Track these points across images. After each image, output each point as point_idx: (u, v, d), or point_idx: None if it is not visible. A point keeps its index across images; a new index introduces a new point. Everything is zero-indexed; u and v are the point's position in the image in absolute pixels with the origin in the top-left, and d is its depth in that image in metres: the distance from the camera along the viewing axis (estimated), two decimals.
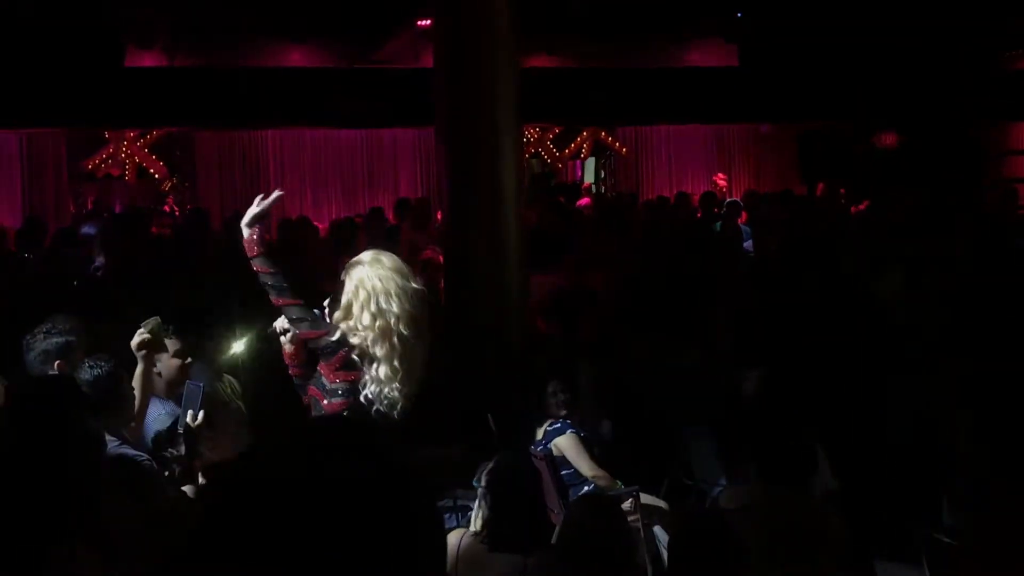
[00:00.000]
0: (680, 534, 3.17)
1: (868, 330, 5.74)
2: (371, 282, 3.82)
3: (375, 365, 3.80)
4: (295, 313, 3.87)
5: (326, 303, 3.98)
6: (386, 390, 3.81)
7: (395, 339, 3.79)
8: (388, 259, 3.91)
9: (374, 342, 3.79)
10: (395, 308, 3.79)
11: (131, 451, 3.67)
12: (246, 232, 3.97)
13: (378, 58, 11.91)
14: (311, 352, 4.00)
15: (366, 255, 3.93)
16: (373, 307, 3.79)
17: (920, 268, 6.74)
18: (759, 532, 3.18)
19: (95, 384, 3.63)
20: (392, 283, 3.82)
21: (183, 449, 3.88)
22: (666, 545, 4.22)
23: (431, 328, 3.99)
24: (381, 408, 3.82)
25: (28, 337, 3.99)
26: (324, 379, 3.87)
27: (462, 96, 6.54)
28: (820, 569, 3.20)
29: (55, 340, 3.93)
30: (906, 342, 5.64)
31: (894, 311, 6.16)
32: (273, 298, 3.89)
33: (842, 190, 12.58)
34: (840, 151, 14.06)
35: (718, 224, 10.29)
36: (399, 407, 3.84)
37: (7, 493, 2.58)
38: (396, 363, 3.80)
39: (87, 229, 10.30)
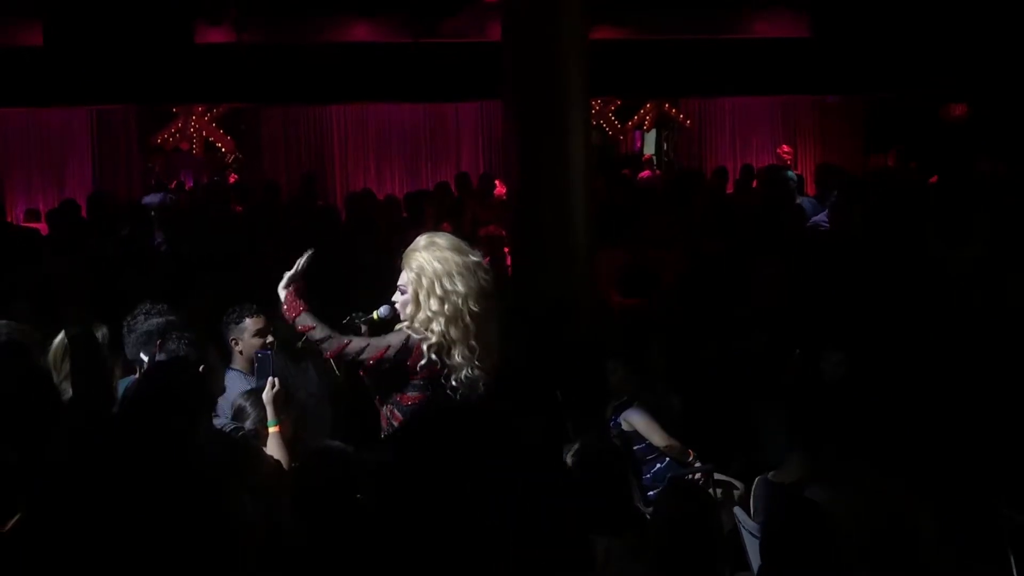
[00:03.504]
0: (774, 519, 3.14)
1: (954, 308, 5.64)
2: (431, 266, 3.78)
3: (453, 350, 3.76)
4: (356, 347, 3.80)
5: (395, 298, 3.93)
6: (466, 372, 3.78)
7: (467, 318, 3.75)
8: (443, 239, 3.89)
9: (447, 325, 3.75)
10: (460, 287, 3.76)
11: (228, 424, 3.73)
12: (283, 294, 3.88)
13: (444, 32, 11.90)
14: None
15: (420, 240, 3.89)
16: (438, 290, 3.75)
17: (1000, 238, 6.59)
18: (851, 518, 3.15)
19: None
20: (451, 263, 3.78)
21: (249, 421, 3.91)
22: (746, 526, 4.20)
23: (499, 299, 3.95)
24: (464, 391, 3.78)
25: (128, 319, 4.08)
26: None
27: (530, 69, 6.51)
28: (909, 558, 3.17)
29: (155, 321, 4.00)
30: (989, 318, 5.53)
31: (974, 284, 6.04)
32: (328, 353, 3.83)
33: (912, 163, 12.32)
34: (908, 123, 13.77)
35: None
36: (481, 384, 3.81)
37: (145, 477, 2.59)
38: (472, 342, 3.77)
39: (149, 199, 10.49)
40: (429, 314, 3.77)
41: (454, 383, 3.80)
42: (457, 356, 3.77)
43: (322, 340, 3.83)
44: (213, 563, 2.51)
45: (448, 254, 3.79)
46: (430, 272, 3.77)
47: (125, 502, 2.52)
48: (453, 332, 3.76)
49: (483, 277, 3.82)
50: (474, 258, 3.84)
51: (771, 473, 4.36)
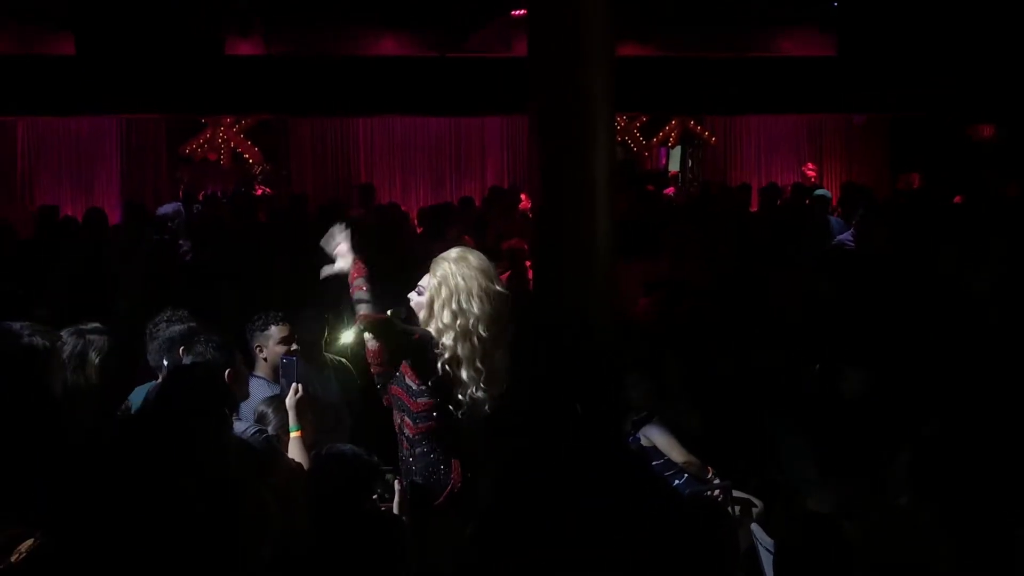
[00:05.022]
0: (789, 540, 3.12)
1: (968, 330, 5.62)
2: (454, 280, 3.78)
3: (460, 368, 3.77)
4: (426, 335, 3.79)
5: (411, 295, 3.92)
6: (471, 391, 3.79)
7: (475, 340, 3.76)
8: (475, 258, 3.87)
9: (456, 341, 3.76)
10: (475, 309, 3.76)
11: (251, 427, 3.78)
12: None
13: (470, 47, 11.97)
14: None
15: (453, 252, 3.89)
16: (454, 305, 3.76)
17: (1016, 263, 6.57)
18: (866, 543, 3.14)
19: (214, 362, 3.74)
20: (475, 283, 3.78)
21: (271, 426, 3.95)
22: (763, 544, 4.19)
23: (510, 329, 3.92)
24: (467, 409, 3.80)
25: (150, 326, 4.13)
26: (408, 380, 3.83)
27: (554, 83, 6.54)
28: None
29: (177, 328, 4.05)
30: (1007, 338, 5.50)
31: (990, 309, 6.02)
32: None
33: (940, 184, 12.28)
34: (935, 142, 13.72)
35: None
36: (486, 407, 3.82)
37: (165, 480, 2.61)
38: (478, 363, 3.77)
39: (164, 210, 10.59)
40: (441, 325, 3.78)
41: (460, 398, 3.81)
42: (464, 375, 3.79)
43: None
44: (230, 564, 2.54)
45: (474, 273, 3.80)
46: (452, 285, 3.78)
47: (140, 505, 2.54)
48: (461, 349, 3.78)
49: (498, 308, 3.82)
50: (498, 287, 3.84)
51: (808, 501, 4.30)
